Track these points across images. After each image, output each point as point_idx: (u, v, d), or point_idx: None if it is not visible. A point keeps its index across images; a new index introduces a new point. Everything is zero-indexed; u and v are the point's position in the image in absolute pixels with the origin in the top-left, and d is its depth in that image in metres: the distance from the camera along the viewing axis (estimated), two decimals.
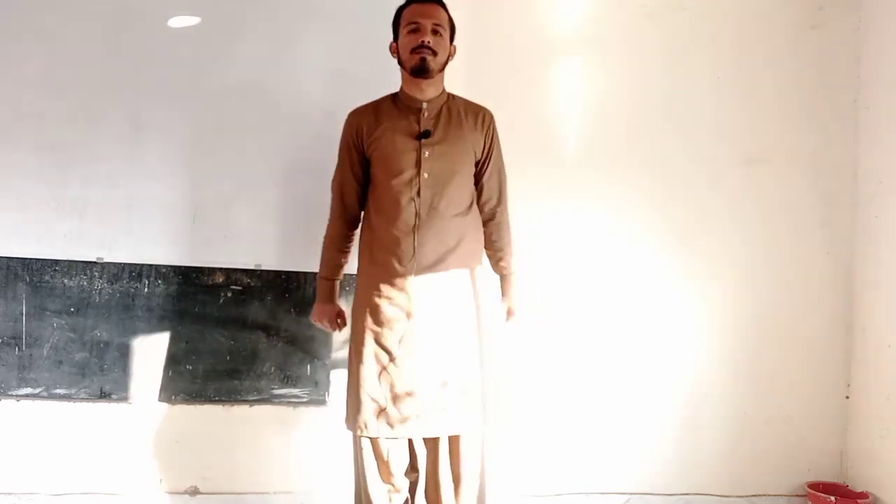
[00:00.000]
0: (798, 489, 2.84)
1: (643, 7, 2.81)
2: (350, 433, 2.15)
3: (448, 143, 2.10)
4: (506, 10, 2.75)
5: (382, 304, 2.06)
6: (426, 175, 2.07)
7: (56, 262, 2.50)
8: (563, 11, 2.79)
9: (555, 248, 2.76)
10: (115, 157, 2.52)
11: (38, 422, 2.52)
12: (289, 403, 2.63)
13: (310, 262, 2.59)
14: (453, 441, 2.13)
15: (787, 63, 2.87)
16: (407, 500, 2.21)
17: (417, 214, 2.06)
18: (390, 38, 2.18)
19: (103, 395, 2.55)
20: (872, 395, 2.77)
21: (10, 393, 2.51)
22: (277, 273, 2.61)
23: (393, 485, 2.14)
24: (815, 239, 2.88)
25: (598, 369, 2.79)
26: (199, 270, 2.58)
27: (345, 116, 2.19)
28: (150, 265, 2.55)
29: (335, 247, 2.22)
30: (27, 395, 2.52)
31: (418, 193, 2.06)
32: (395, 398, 2.04)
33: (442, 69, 2.12)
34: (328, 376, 2.64)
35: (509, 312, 2.32)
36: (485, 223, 2.25)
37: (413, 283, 2.05)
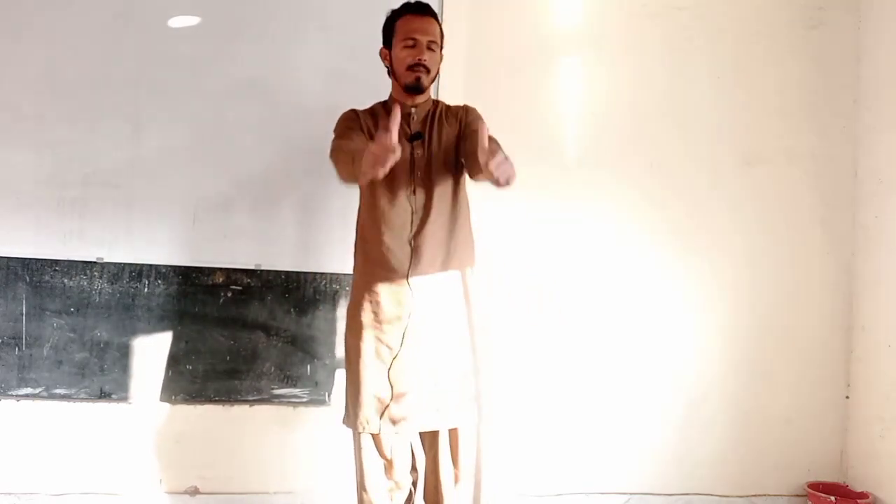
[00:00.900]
0: (798, 489, 2.84)
1: (644, 7, 2.81)
2: (350, 432, 2.16)
3: (437, 143, 2.14)
4: (506, 10, 2.75)
5: (381, 302, 2.07)
6: (419, 174, 2.10)
7: (56, 262, 2.50)
8: (563, 11, 2.79)
9: (555, 247, 2.76)
10: (115, 157, 2.52)
11: (38, 422, 2.52)
12: (289, 403, 2.63)
13: (310, 262, 2.61)
14: (452, 435, 2.14)
15: (787, 63, 2.87)
16: (411, 492, 2.22)
17: (413, 213, 2.08)
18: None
19: (103, 395, 2.55)
20: (872, 394, 2.77)
21: (10, 393, 2.51)
22: (277, 273, 2.61)
23: (396, 482, 2.15)
24: (815, 239, 2.89)
25: (599, 369, 2.79)
26: (199, 270, 2.58)
27: None
28: (150, 265, 2.55)
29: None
30: (27, 395, 2.52)
31: (413, 192, 2.08)
32: (396, 395, 2.06)
33: (432, 82, 2.16)
34: (328, 376, 2.64)
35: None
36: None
37: (410, 281, 2.06)
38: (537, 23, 2.78)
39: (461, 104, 2.25)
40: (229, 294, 2.59)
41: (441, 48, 2.15)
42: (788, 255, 2.87)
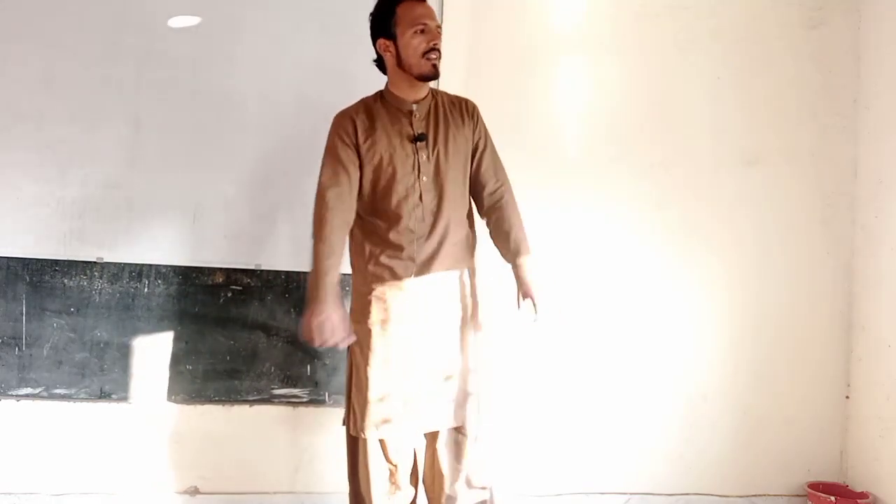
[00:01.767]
0: (798, 489, 2.84)
1: (644, 7, 2.81)
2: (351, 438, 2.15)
3: (442, 143, 2.08)
4: (506, 10, 2.75)
5: (387, 305, 2.05)
6: (425, 178, 2.06)
7: (56, 262, 2.50)
8: (563, 11, 2.79)
9: (555, 247, 2.76)
10: (115, 157, 2.52)
11: (38, 422, 2.52)
12: (289, 403, 2.63)
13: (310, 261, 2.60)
14: (460, 434, 2.12)
15: (787, 63, 2.87)
16: (413, 498, 2.21)
17: (420, 218, 2.05)
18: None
19: (103, 395, 2.55)
20: (872, 394, 2.77)
21: (10, 393, 2.51)
22: (277, 273, 2.61)
23: (399, 487, 2.13)
24: (815, 239, 2.88)
25: (599, 369, 2.79)
26: (199, 270, 2.58)
27: None
28: (150, 265, 2.55)
29: (342, 232, 2.01)
30: (27, 395, 2.52)
31: (420, 198, 2.05)
32: (405, 397, 2.03)
33: None
34: (328, 376, 2.64)
35: (532, 300, 2.13)
36: (493, 208, 2.19)
37: (416, 282, 2.05)
38: (537, 23, 2.78)
39: (462, 97, 2.20)
40: (229, 294, 2.59)
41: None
42: (788, 255, 2.87)
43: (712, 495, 2.83)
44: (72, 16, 2.49)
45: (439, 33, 2.04)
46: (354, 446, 2.11)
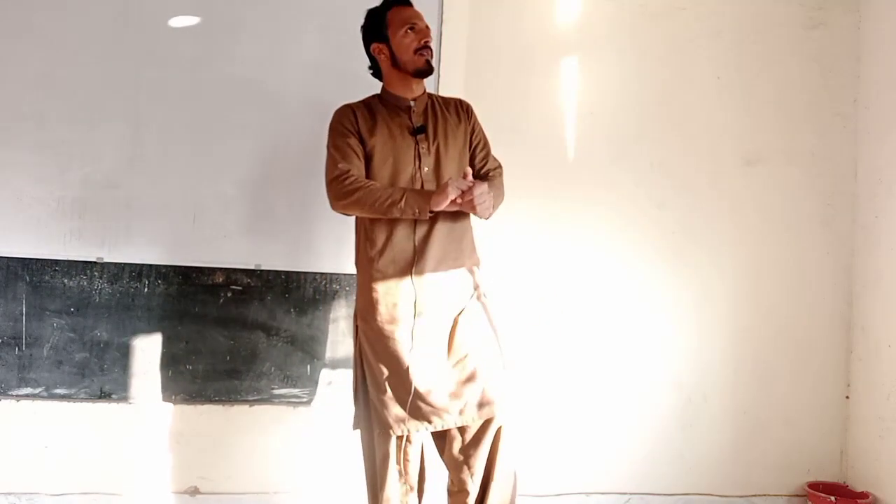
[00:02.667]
0: (798, 489, 2.84)
1: (643, 7, 2.81)
2: (357, 434, 2.15)
3: (441, 136, 2.14)
4: (506, 10, 2.75)
5: (391, 302, 2.05)
6: (426, 169, 2.09)
7: (56, 262, 2.50)
8: (563, 11, 2.79)
9: (555, 247, 2.76)
10: (115, 157, 2.52)
11: (38, 422, 2.52)
12: (289, 403, 2.63)
13: (310, 262, 2.60)
14: (480, 430, 2.11)
15: (787, 63, 2.88)
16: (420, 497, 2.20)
17: None
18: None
19: (103, 395, 2.55)
20: (872, 394, 2.77)
21: (10, 393, 2.51)
22: (277, 273, 2.61)
23: (410, 485, 2.12)
24: (815, 239, 2.89)
25: (599, 369, 2.79)
26: (199, 270, 2.57)
27: None
28: (150, 265, 2.55)
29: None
30: (27, 395, 2.52)
31: (422, 188, 2.07)
32: (420, 394, 2.02)
33: None
34: (328, 376, 2.64)
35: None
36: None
37: (423, 279, 2.05)
38: (537, 23, 2.78)
39: (455, 97, 2.26)
40: (229, 294, 2.59)
41: None
42: (788, 255, 2.87)
43: (712, 495, 2.83)
44: (72, 15, 2.49)
45: (429, 31, 2.13)
46: (373, 446, 2.10)
